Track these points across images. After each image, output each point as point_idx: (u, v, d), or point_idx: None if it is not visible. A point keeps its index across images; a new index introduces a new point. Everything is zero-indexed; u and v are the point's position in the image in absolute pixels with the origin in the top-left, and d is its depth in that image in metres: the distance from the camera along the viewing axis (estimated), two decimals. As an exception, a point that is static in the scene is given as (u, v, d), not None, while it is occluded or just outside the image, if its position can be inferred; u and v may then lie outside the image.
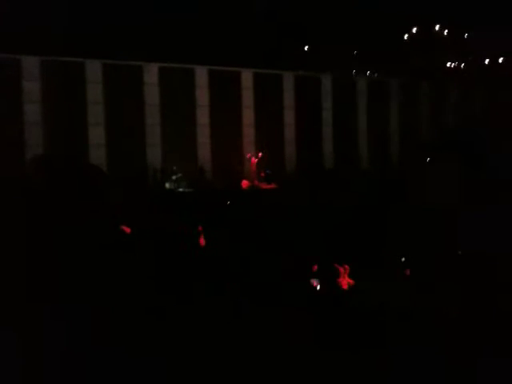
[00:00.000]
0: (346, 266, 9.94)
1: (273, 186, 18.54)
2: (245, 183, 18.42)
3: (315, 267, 9.99)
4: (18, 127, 15.77)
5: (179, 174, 17.32)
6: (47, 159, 15.92)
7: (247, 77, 19.80)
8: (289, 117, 20.69)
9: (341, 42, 21.87)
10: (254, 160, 19.05)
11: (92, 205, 12.93)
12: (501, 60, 25.30)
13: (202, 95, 18.87)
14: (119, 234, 11.22)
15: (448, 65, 25.38)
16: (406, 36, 24.64)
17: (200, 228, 11.83)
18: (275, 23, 21.14)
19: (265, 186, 18.55)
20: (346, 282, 9.93)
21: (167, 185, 17.19)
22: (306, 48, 22.91)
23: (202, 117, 18.91)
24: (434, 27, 24.52)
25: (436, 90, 24.31)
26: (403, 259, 10.95)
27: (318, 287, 9.58)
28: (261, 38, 20.90)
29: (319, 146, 21.38)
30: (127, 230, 11.29)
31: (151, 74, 17.92)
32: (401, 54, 24.18)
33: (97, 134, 16.93)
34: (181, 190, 17.16)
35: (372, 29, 22.32)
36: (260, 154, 19.11)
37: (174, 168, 17.35)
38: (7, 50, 15.66)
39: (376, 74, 23.61)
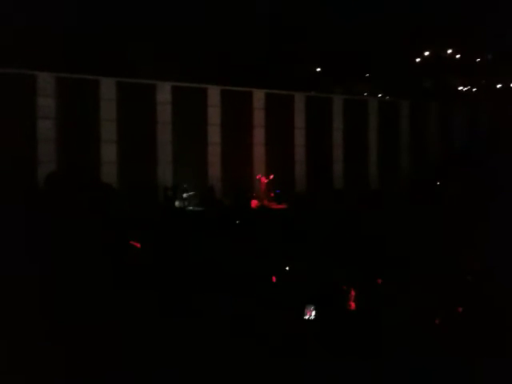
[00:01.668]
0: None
1: (282, 206, 18.52)
2: (254, 203, 18.43)
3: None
4: (31, 143, 15.97)
5: (191, 192, 17.39)
6: (59, 176, 16.06)
7: (259, 97, 19.94)
8: (299, 137, 20.76)
9: (353, 64, 22.04)
10: (264, 180, 19.10)
11: (102, 221, 12.99)
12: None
13: (214, 114, 19.02)
14: (129, 250, 11.26)
15: (459, 88, 25.48)
16: (417, 59, 24.80)
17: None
18: (287, 45, 21.36)
19: (274, 205, 18.54)
20: (354, 303, 9.89)
21: (177, 203, 17.23)
22: (318, 69, 23.12)
23: (214, 136, 19.03)
24: (446, 50, 24.67)
25: (446, 110, 24.34)
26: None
27: (313, 315, 9.25)
28: (273, 58, 21.11)
29: (329, 166, 21.39)
30: (137, 245, 11.33)
31: (164, 92, 18.10)
32: (412, 76, 24.31)
33: (109, 151, 17.10)
34: (191, 208, 17.20)
35: (384, 50, 22.49)
36: (270, 175, 19.16)
37: (185, 186, 17.43)
38: (23, 66, 15.91)
39: (387, 96, 23.74)
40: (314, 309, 9.18)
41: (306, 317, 9.15)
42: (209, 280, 10.37)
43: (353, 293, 9.99)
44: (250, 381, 6.82)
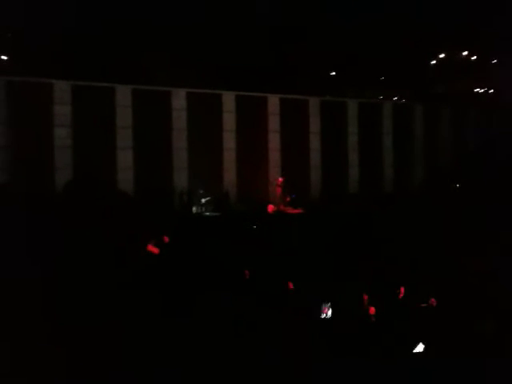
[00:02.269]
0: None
1: (298, 210, 18.47)
2: (270, 207, 18.40)
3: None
4: (48, 150, 16.09)
5: (208, 198, 17.42)
6: (75, 184, 16.17)
7: (273, 102, 19.94)
8: (315, 141, 20.73)
9: (367, 68, 21.98)
10: (281, 184, 19.06)
11: (119, 227, 13.04)
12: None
13: (229, 120, 19.05)
14: (147, 255, 11.28)
15: (475, 90, 25.34)
16: (432, 62, 24.71)
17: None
18: (301, 50, 21.36)
19: (290, 210, 18.49)
20: (373, 309, 9.84)
21: (194, 208, 17.26)
22: (332, 73, 23.09)
23: (229, 141, 19.05)
24: (461, 53, 24.56)
25: (460, 114, 24.19)
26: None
27: (330, 313, 9.29)
28: (287, 64, 21.11)
29: (345, 170, 21.34)
30: (155, 250, 11.34)
31: (179, 99, 18.16)
32: (426, 79, 24.21)
33: (125, 158, 17.18)
34: (207, 213, 17.22)
35: (398, 54, 22.43)
36: (285, 179, 19.12)
37: (202, 191, 17.46)
38: (39, 75, 16.06)
39: (402, 99, 23.66)
40: (330, 307, 9.21)
41: (323, 315, 9.19)
42: (227, 284, 10.37)
43: (365, 297, 9.95)
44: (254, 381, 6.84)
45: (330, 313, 9.31)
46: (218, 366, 7.02)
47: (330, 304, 9.36)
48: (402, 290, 10.47)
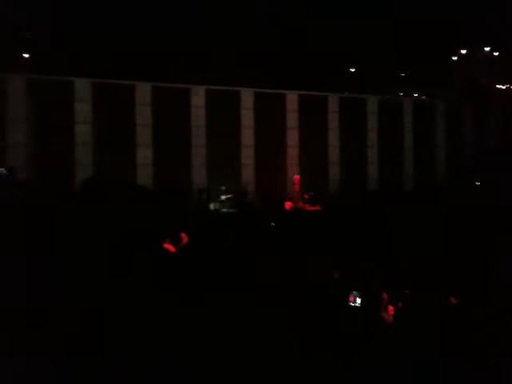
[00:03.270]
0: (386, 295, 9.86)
1: (317, 207, 18.45)
2: (288, 205, 18.41)
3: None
4: (69, 147, 16.31)
5: (226, 195, 17.49)
6: (96, 178, 16.34)
7: (292, 99, 19.92)
8: (333, 138, 20.67)
9: (387, 64, 21.86)
10: (298, 182, 19.07)
11: (137, 222, 13.13)
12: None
13: (248, 117, 19.09)
14: (162, 253, 11.35)
15: (497, 87, 25.05)
16: (453, 58, 24.49)
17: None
18: (321, 47, 21.31)
19: (308, 207, 18.48)
20: (391, 308, 9.80)
21: (212, 205, 17.34)
22: (351, 70, 23.00)
23: (247, 138, 19.10)
24: (482, 49, 24.30)
25: (482, 111, 23.93)
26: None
27: (358, 302, 9.30)
28: (305, 60, 21.09)
29: (364, 167, 21.25)
30: (171, 248, 11.39)
31: (198, 96, 18.25)
32: (447, 76, 24.00)
33: (144, 155, 17.33)
34: (225, 210, 17.28)
35: (418, 51, 22.27)
36: (304, 176, 19.13)
37: (220, 188, 17.54)
38: (60, 72, 16.28)
39: (423, 96, 23.50)
40: (359, 296, 9.21)
41: (351, 303, 9.19)
42: (241, 282, 10.41)
43: (385, 296, 9.91)
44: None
45: (359, 301, 9.30)
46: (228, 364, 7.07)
47: (358, 293, 9.34)
48: (413, 289, 10.42)
